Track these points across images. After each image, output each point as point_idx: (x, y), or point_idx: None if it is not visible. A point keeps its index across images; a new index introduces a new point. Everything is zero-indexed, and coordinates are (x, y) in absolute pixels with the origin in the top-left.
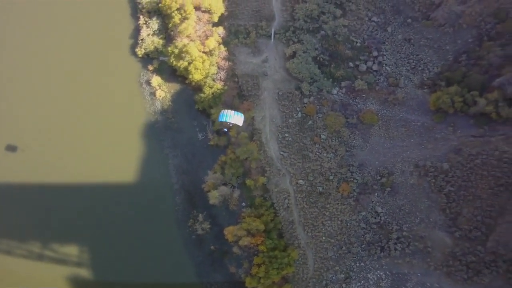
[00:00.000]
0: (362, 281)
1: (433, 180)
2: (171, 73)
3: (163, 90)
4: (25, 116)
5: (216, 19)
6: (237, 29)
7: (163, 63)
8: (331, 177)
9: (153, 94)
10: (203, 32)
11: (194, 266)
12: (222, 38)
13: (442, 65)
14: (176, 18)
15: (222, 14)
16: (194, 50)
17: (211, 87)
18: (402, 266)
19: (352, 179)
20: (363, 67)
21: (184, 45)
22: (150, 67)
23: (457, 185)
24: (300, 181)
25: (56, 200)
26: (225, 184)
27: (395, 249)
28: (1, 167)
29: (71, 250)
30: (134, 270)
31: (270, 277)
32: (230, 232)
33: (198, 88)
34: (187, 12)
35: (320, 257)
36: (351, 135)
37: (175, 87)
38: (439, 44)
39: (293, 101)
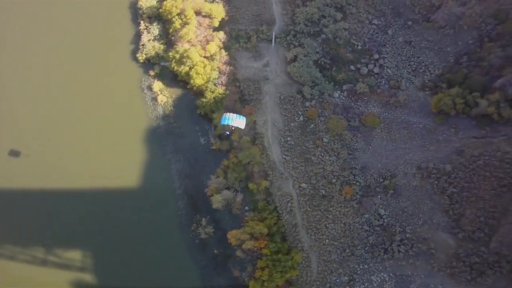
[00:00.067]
0: (366, 283)
1: (436, 182)
2: (173, 78)
3: (164, 95)
4: (30, 123)
5: (216, 24)
6: (238, 34)
7: (164, 68)
8: (333, 180)
9: (154, 99)
10: (204, 37)
11: (197, 270)
12: (223, 43)
13: (443, 67)
14: (177, 23)
15: (222, 19)
16: (195, 55)
17: (212, 92)
18: (406, 268)
19: (354, 182)
20: (364, 70)
21: (185, 50)
22: (152, 73)
23: (460, 187)
24: (303, 185)
25: (59, 205)
26: (228, 188)
27: (399, 251)
28: (4, 172)
29: (74, 255)
30: (137, 275)
31: (274, 280)
32: (233, 236)
33: (199, 93)
34: (188, 17)
35: (324, 259)
36: (353, 138)
37: (176, 92)
38: (440, 46)
39: (295, 104)
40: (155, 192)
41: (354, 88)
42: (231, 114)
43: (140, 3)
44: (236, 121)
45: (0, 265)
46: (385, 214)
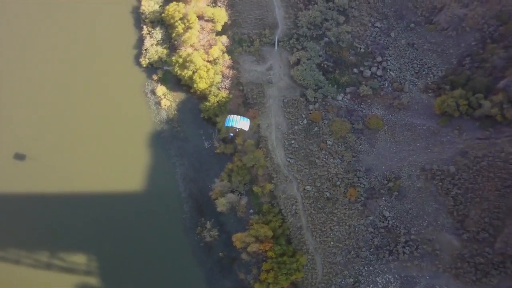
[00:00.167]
0: (371, 285)
1: (440, 183)
2: (176, 83)
3: (168, 100)
4: (35, 127)
5: (219, 28)
6: (241, 38)
7: (167, 73)
8: (338, 183)
9: (158, 103)
10: (206, 41)
11: (203, 273)
12: (226, 47)
13: (446, 69)
14: (180, 27)
15: (225, 23)
16: (198, 59)
17: (216, 96)
18: (411, 269)
19: (359, 184)
20: (367, 73)
21: (188, 55)
22: (155, 77)
23: (464, 188)
24: (307, 187)
25: (64, 209)
26: (232, 192)
27: (404, 253)
28: (9, 175)
29: (79, 259)
30: (143, 278)
31: (279, 282)
32: (238, 238)
33: (203, 97)
34: (190, 22)
35: (329, 262)
36: (357, 141)
37: (180, 96)
38: (443, 48)
39: (299, 108)
40: (160, 196)
41: (358, 90)
42: (235, 116)
43: (142, 8)
44: (240, 123)
45: (6, 268)
46: (389, 216)
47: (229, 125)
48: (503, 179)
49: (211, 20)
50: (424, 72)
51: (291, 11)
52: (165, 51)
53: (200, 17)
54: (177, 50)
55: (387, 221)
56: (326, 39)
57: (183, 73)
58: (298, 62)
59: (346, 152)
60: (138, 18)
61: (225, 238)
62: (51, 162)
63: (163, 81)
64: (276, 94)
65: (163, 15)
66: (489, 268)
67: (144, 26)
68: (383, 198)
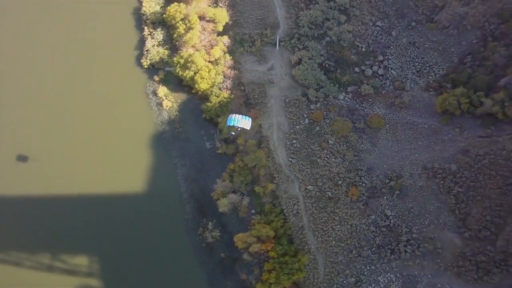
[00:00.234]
0: (373, 284)
1: (442, 182)
2: (177, 83)
3: (169, 100)
4: (33, 127)
5: (220, 28)
6: (242, 38)
7: (169, 74)
8: (340, 182)
9: (160, 104)
10: (208, 41)
11: (204, 274)
12: (227, 47)
13: (447, 67)
14: (181, 28)
15: (226, 23)
16: (200, 59)
17: (217, 96)
18: (413, 268)
19: (361, 183)
20: (368, 72)
21: (190, 55)
22: (156, 78)
23: (466, 186)
24: (309, 187)
25: (65, 210)
26: (234, 192)
27: (405, 251)
28: (11, 178)
29: (80, 260)
30: (145, 279)
31: (281, 282)
32: (240, 239)
33: (204, 97)
34: (192, 22)
35: (331, 261)
36: (358, 140)
37: (181, 97)
38: (444, 46)
39: (300, 107)
40: (161, 196)
41: (359, 90)
42: (237, 115)
43: (143, 9)
44: (241, 122)
45: (6, 270)
46: (391, 215)
47: (231, 124)
48: (504, 177)
49: (212, 21)
50: (425, 71)
51: (292, 10)
52: (166, 52)
53: (201, 18)
54: (179, 51)
55: (388, 220)
56: (327, 38)
57: (185, 74)
58: (299, 62)
59: (348, 152)
60: (139, 19)
61: (227, 238)
62: (53, 163)
63: (164, 82)
64: (278, 94)
65: (164, 16)
66: (490, 266)
67: (145, 27)
68: (385, 197)
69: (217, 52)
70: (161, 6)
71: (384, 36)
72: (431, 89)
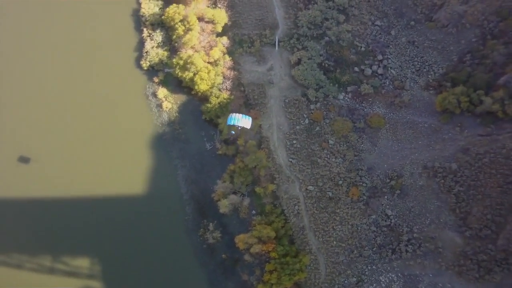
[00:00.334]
0: (374, 284)
1: (442, 181)
2: (177, 85)
3: (169, 102)
4: (33, 128)
5: (219, 29)
6: (241, 39)
7: (168, 75)
8: (340, 182)
9: (159, 106)
10: (207, 42)
11: (206, 275)
12: (227, 48)
13: (447, 66)
14: (180, 29)
15: (225, 24)
16: (199, 60)
17: (217, 97)
18: (414, 268)
19: (361, 183)
20: (368, 71)
21: (189, 56)
22: (156, 79)
23: (466, 185)
24: (310, 187)
25: (65, 212)
26: (234, 193)
27: (406, 251)
28: (11, 178)
29: (81, 262)
30: (146, 280)
31: (282, 283)
32: (241, 240)
33: (204, 98)
34: (191, 23)
35: (332, 261)
36: (359, 140)
37: (181, 98)
38: (443, 45)
39: (300, 108)
40: (162, 198)
41: (359, 89)
42: (237, 114)
43: (142, 10)
44: (242, 121)
45: (8, 272)
46: (392, 215)
47: (231, 123)
48: (505, 175)
49: (211, 22)
50: (425, 70)
51: (291, 11)
52: (165, 53)
53: (200, 19)
54: (178, 52)
55: (389, 220)
56: (326, 38)
57: (184, 75)
58: (299, 62)
59: (348, 151)
60: (138, 21)
61: (228, 239)
62: (53, 164)
63: (164, 83)
64: (277, 94)
65: (163, 17)
66: (492, 265)
67: (145, 29)
68: (386, 197)
69: (217, 53)
70: (160, 8)
71: (383, 36)
72: (431, 88)
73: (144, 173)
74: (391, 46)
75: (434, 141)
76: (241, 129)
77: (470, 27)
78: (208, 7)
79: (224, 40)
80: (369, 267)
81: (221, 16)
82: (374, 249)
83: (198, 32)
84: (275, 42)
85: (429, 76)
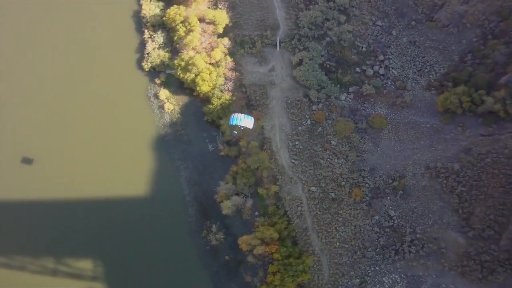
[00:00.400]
0: (378, 285)
1: (445, 181)
2: (179, 86)
3: (171, 103)
4: (34, 129)
5: (221, 30)
6: (243, 39)
7: (170, 76)
8: (343, 183)
9: (161, 107)
10: (208, 43)
11: (209, 276)
12: (228, 49)
13: (448, 66)
14: (181, 31)
15: (226, 25)
16: (201, 62)
17: (219, 98)
18: (417, 268)
19: (364, 184)
20: (370, 72)
21: (190, 58)
22: (157, 81)
23: (469, 185)
24: (312, 188)
25: (68, 214)
26: (237, 194)
27: (409, 252)
28: (11, 179)
29: (84, 264)
30: (149, 282)
31: (286, 284)
32: (244, 241)
33: (206, 99)
34: (192, 25)
35: (335, 262)
36: (361, 140)
37: (183, 99)
38: (444, 45)
39: (302, 108)
40: (164, 199)
41: (360, 90)
42: (239, 114)
43: (143, 12)
44: (244, 121)
45: (9, 274)
46: (395, 215)
47: (233, 123)
48: (507, 175)
49: (212, 23)
50: (426, 70)
51: (292, 11)
52: (167, 54)
53: (201, 20)
54: (179, 54)
55: (392, 221)
56: (327, 39)
57: (186, 76)
58: (300, 63)
59: (351, 152)
60: (139, 22)
61: (231, 241)
62: (54, 165)
63: (165, 84)
64: (279, 95)
65: (164, 18)
66: (495, 266)
67: (146, 30)
68: (388, 198)
69: (218, 54)
70: (161, 9)
71: (384, 36)
72: (432, 88)
73: (146, 175)
74: (392, 46)
75: (436, 141)
76: (243, 129)
77: (471, 27)
78: (209, 8)
79: (225, 41)
80: (372, 268)
81: (222, 17)
82: (377, 250)
83: (199, 33)
84: (276, 43)
85: (431, 76)
